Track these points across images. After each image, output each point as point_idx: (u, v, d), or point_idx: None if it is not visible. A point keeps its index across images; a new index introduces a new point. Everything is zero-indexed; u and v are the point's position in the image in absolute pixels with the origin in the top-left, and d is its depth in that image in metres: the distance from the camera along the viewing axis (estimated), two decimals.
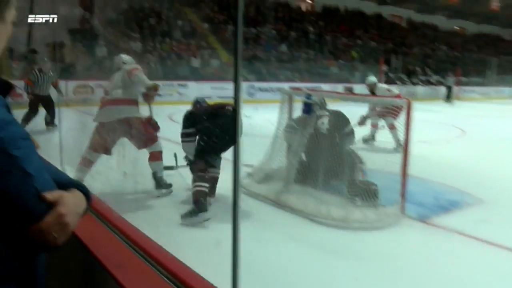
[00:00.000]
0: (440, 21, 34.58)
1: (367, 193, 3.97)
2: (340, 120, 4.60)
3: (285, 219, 3.84)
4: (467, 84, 26.75)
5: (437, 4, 29.79)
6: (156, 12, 18.35)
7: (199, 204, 3.56)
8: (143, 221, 3.18)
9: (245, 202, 4.27)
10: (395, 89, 7.66)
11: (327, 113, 4.59)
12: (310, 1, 27.33)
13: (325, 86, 18.80)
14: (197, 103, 4.40)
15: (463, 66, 27.97)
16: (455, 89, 23.10)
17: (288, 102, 4.99)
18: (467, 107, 18.32)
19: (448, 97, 21.93)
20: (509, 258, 3.22)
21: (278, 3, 24.21)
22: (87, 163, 4.28)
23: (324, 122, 4.47)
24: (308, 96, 4.61)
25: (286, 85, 13.40)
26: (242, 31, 1.28)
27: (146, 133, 4.34)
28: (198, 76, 16.45)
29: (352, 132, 4.69)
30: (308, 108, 4.45)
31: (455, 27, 36.73)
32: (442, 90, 22.83)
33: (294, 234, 3.50)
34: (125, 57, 4.64)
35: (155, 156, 4.38)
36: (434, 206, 4.32)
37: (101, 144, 4.31)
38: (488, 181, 5.44)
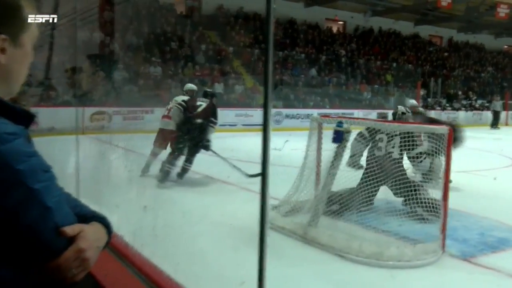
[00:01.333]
0: (486, 40, 34.23)
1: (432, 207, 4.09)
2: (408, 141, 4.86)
3: (312, 255, 3.82)
4: None
5: (483, 21, 29.56)
6: (178, 36, 18.90)
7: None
8: (162, 257, 3.23)
9: (269, 236, 4.26)
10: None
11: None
12: (341, 23, 27.62)
13: (358, 113, 18.78)
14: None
15: None
16: (503, 114, 22.66)
17: (318, 130, 5.02)
18: None
19: (495, 123, 21.51)
20: None
21: (308, 24, 24.56)
22: (153, 155, 7.03)
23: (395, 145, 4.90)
24: (339, 124, 4.64)
25: (315, 112, 13.52)
26: (272, 55, 1.35)
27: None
28: (221, 102, 16.70)
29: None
30: (339, 136, 4.47)
31: (504, 46, 36.27)
32: (488, 115, 22.44)
33: (322, 272, 3.48)
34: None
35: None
36: (479, 244, 4.22)
37: (160, 142, 7.04)
38: None
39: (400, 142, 4.91)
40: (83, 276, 0.92)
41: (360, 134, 5.09)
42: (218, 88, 17.10)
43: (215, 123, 7.00)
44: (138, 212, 4.28)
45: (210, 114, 6.93)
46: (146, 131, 11.32)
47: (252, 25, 20.79)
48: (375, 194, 4.73)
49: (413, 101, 7.88)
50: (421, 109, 7.85)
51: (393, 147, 4.98)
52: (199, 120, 6.76)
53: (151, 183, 6.17)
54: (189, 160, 6.76)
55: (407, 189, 4.67)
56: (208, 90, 7.72)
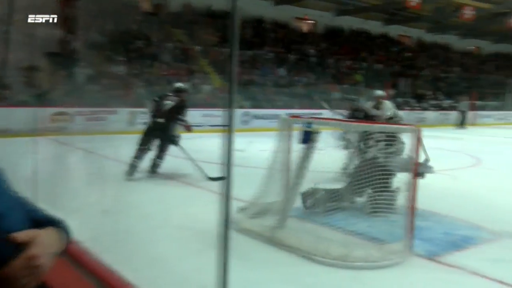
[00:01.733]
0: (453, 40, 35.19)
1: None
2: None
3: (279, 258, 3.85)
4: (483, 108, 27.06)
5: (450, 22, 30.39)
6: (144, 34, 18.69)
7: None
8: (123, 263, 3.19)
9: (236, 239, 4.28)
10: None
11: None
12: (311, 22, 27.89)
13: (327, 113, 18.96)
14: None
15: (478, 89, 28.34)
16: (470, 114, 23.36)
17: (286, 130, 5.04)
18: (482, 134, 18.47)
19: (462, 123, 22.15)
20: None
21: (277, 23, 24.69)
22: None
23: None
24: (308, 124, 4.69)
25: (284, 112, 13.58)
26: (237, 54, 1.35)
27: None
28: (188, 102, 16.61)
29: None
30: (307, 137, 4.51)
31: (470, 47, 37.37)
32: (455, 115, 23.09)
33: (289, 275, 3.51)
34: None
35: None
36: (444, 243, 4.34)
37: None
38: (506, 214, 5.47)
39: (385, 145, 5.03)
40: (35, 285, 0.88)
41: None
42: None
43: (182, 120, 7.29)
44: (98, 216, 4.23)
45: (177, 112, 7.24)
46: (109, 132, 11.16)
47: (220, 24, 20.75)
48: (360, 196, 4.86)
49: (379, 92, 8.21)
50: (387, 102, 8.14)
51: (379, 149, 5.10)
52: (161, 120, 7.12)
53: (112, 186, 6.09)
54: (159, 156, 7.20)
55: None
56: (178, 86, 7.89)
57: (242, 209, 4.84)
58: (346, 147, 6.45)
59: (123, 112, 13.80)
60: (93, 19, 16.64)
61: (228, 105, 1.16)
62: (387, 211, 4.40)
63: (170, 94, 7.53)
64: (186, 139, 7.84)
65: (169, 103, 7.31)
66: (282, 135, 4.96)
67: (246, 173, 7.71)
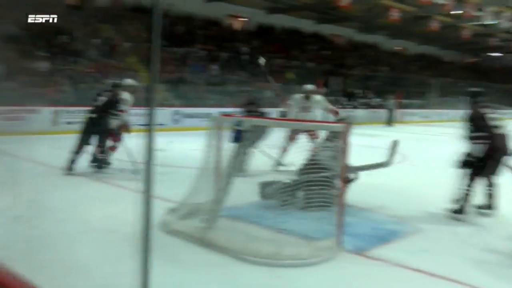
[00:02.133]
0: (382, 41, 36.71)
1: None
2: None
3: (210, 259, 3.85)
4: (408, 106, 28.44)
5: (378, 23, 31.68)
6: (68, 29, 17.95)
7: None
8: (37, 272, 3.06)
9: (165, 241, 4.25)
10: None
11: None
12: (243, 19, 28.02)
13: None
14: None
15: (404, 88, 29.75)
16: (396, 112, 24.47)
17: (218, 129, 5.03)
18: (408, 131, 19.43)
19: (389, 121, 23.18)
20: None
21: (208, 21, 24.59)
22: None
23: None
24: (239, 123, 4.72)
25: (216, 111, 13.57)
26: (159, 50, 1.33)
27: None
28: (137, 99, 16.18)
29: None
30: (238, 136, 4.53)
31: (397, 47, 39.16)
32: (383, 113, 24.09)
33: (219, 276, 3.52)
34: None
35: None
36: (372, 237, 4.53)
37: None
38: (429, 207, 5.79)
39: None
40: None
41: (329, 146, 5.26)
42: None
43: (115, 114, 7.44)
44: (10, 223, 4.03)
45: (110, 107, 7.42)
46: (28, 133, 10.63)
47: (150, 19, 20.32)
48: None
49: (309, 86, 8.52)
50: (317, 96, 8.48)
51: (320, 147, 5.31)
52: (93, 115, 7.39)
53: (27, 190, 5.81)
54: (100, 151, 7.50)
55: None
56: (115, 81, 8.13)
57: (172, 210, 4.80)
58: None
59: (46, 111, 13.19)
60: (8, 10, 15.76)
61: (148, 104, 1.14)
62: (321, 206, 4.49)
63: (106, 90, 7.73)
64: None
65: (102, 98, 7.53)
66: (213, 134, 4.96)
67: (176, 173, 7.74)
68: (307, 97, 8.20)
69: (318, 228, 4.33)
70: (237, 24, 27.45)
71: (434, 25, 27.61)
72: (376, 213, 5.45)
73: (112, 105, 7.46)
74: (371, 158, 6.06)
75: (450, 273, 3.65)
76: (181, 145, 9.95)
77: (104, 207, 5.34)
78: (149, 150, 1.15)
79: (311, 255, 3.84)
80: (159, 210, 4.77)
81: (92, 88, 16.25)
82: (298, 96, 8.29)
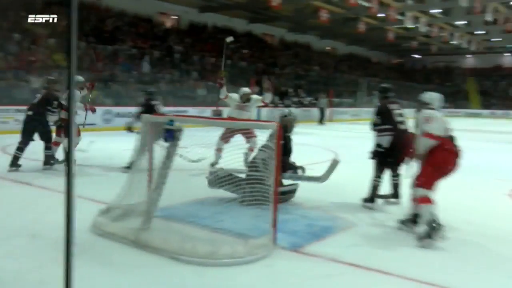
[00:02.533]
0: (313, 41, 37.63)
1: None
2: None
3: (145, 260, 3.77)
4: (339, 105, 29.34)
5: (309, 23, 32.44)
6: None
7: None
8: None
9: (97, 244, 4.13)
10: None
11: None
12: (175, 17, 27.69)
13: (192, 110, 19.05)
14: None
15: (335, 87, 30.65)
16: (328, 110, 25.16)
17: (149, 128, 4.94)
18: (339, 129, 20.05)
19: (321, 119, 23.81)
20: (380, 281, 3.58)
21: (140, 17, 24.07)
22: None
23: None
24: (170, 122, 4.65)
25: None
26: (75, 46, 1.27)
27: None
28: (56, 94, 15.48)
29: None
30: (170, 135, 4.47)
31: (327, 47, 40.30)
32: (315, 112, 24.67)
33: (155, 277, 3.45)
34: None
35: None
36: (306, 234, 4.62)
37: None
38: (359, 204, 6.00)
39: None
40: None
41: (266, 146, 5.21)
42: (36, 82, 15.80)
43: (51, 111, 7.65)
44: None
45: (45, 104, 7.63)
46: None
47: (80, 14, 19.60)
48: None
49: (245, 89, 8.62)
50: (255, 96, 8.53)
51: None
52: (29, 112, 7.62)
53: None
54: (45, 147, 7.70)
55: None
56: (49, 78, 8.24)
57: (103, 212, 4.66)
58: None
59: None
60: None
61: (67, 104, 1.09)
62: (258, 203, 4.52)
63: (43, 87, 7.97)
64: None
65: (38, 95, 7.77)
66: (144, 134, 4.87)
67: (107, 174, 7.54)
68: (246, 99, 8.27)
69: (254, 226, 4.37)
70: (168, 22, 27.09)
71: (361, 26, 28.66)
72: (310, 210, 5.58)
73: (48, 102, 7.61)
74: (306, 156, 6.21)
75: (382, 265, 3.80)
76: (112, 145, 9.68)
77: (27, 211, 5.08)
78: (69, 150, 1.11)
79: (247, 253, 3.86)
80: (90, 212, 4.63)
81: (15, 87, 15.48)
82: (235, 96, 8.33)
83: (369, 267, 3.77)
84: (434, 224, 4.45)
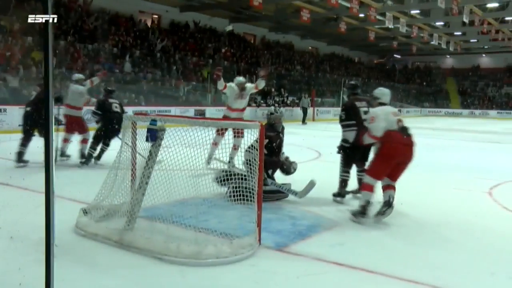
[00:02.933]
0: (295, 40, 37.75)
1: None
2: None
3: (129, 261, 3.73)
4: (322, 105, 29.50)
5: (290, 23, 32.53)
6: None
7: None
8: None
9: (80, 244, 4.08)
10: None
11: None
12: (156, 16, 27.50)
13: (175, 110, 18.96)
14: None
15: (317, 86, 30.79)
16: (310, 110, 25.26)
17: (131, 128, 4.88)
18: (321, 128, 20.13)
19: (304, 119, 23.90)
20: (365, 279, 3.60)
21: (120, 16, 23.83)
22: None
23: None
24: (153, 122, 4.62)
25: (129, 110, 13.20)
26: (52, 43, 1.25)
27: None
28: (20, 99, 15.23)
29: None
30: (152, 135, 4.43)
31: (309, 47, 40.48)
32: (298, 111, 24.75)
33: (140, 278, 3.42)
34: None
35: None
36: (291, 233, 4.63)
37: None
38: (342, 203, 6.04)
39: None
40: None
41: (252, 147, 5.08)
42: (13, 81, 15.56)
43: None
44: None
45: (42, 100, 7.45)
46: None
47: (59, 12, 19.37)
48: None
49: (240, 78, 8.63)
50: (249, 84, 8.58)
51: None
52: (28, 109, 8.18)
53: None
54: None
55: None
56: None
57: (87, 212, 4.61)
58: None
59: None
60: None
61: (45, 103, 1.06)
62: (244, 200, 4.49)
63: (40, 84, 8.80)
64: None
65: (34, 93, 8.58)
66: (127, 134, 4.81)
67: (89, 173, 7.45)
68: (242, 88, 8.37)
69: (239, 226, 4.36)
70: (150, 21, 26.90)
71: (342, 26, 28.83)
72: (294, 209, 5.59)
73: (42, 101, 7.88)
74: (290, 156, 6.23)
75: (366, 264, 3.82)
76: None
77: (5, 212, 4.98)
78: (48, 150, 1.08)
79: (232, 253, 3.85)
80: (72, 213, 4.57)
81: None
82: (234, 86, 8.35)
83: (354, 266, 3.79)
84: (366, 208, 5.05)
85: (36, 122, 7.94)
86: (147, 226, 4.30)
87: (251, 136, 4.58)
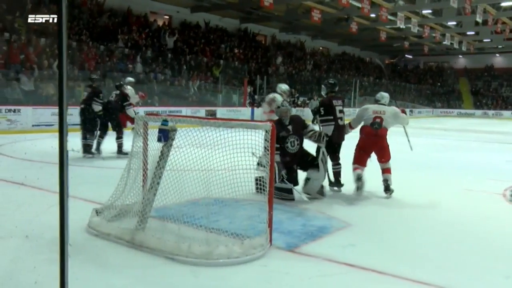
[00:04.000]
0: (305, 41, 37.68)
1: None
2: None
3: (141, 261, 3.76)
4: None
5: (301, 23, 32.49)
6: None
7: None
8: None
9: (93, 244, 4.11)
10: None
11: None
12: (167, 17, 27.61)
13: (186, 110, 19.02)
14: None
15: None
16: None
17: (143, 129, 4.90)
18: None
19: (314, 120, 23.76)
20: (375, 281, 3.59)
21: (133, 15, 23.93)
22: None
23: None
24: (164, 122, 4.64)
25: (141, 110, 13.26)
26: (66, 46, 1.26)
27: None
28: (34, 100, 15.41)
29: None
30: (164, 135, 4.45)
31: (320, 47, 40.38)
32: (309, 112, 24.62)
33: (151, 277, 3.45)
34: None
35: None
36: (302, 234, 4.62)
37: None
38: (354, 203, 6.03)
39: None
40: None
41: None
42: (27, 83, 15.72)
43: (98, 102, 9.32)
44: None
45: (93, 96, 9.37)
46: None
47: (71, 12, 19.43)
48: None
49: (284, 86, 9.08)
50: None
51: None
52: (82, 106, 9.41)
53: None
54: (83, 136, 9.33)
55: None
56: (92, 76, 10.19)
57: (99, 212, 4.64)
58: None
59: None
60: None
61: (59, 103, 1.08)
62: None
63: (88, 85, 9.90)
64: (35, 140, 7.40)
65: (85, 93, 10.09)
66: (138, 134, 4.84)
67: (102, 174, 7.51)
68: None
69: (249, 226, 4.37)
70: (160, 21, 27.01)
71: (353, 27, 28.72)
72: (305, 210, 5.59)
73: (96, 94, 9.32)
74: None
75: (377, 265, 3.81)
76: (105, 145, 9.65)
77: (21, 212, 5.04)
78: (62, 150, 1.10)
79: (243, 253, 3.85)
80: (85, 212, 4.61)
81: (5, 86, 15.37)
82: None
83: (365, 267, 3.78)
84: (359, 180, 6.38)
85: (88, 117, 9.23)
86: (158, 226, 4.33)
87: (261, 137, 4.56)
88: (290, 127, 6.14)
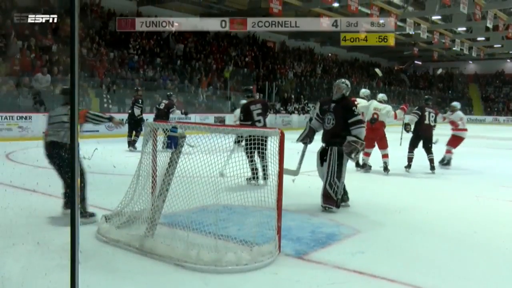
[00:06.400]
0: (314, 47, 37.69)
1: None
2: None
3: (149, 267, 3.77)
4: None
5: (310, 30, 32.48)
6: None
7: None
8: None
9: (102, 250, 4.13)
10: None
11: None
12: (177, 24, 27.73)
13: (195, 117, 19.06)
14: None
15: None
16: None
17: (152, 135, 4.92)
18: None
19: None
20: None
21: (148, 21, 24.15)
22: None
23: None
24: (174, 129, 4.66)
25: (149, 117, 13.33)
26: (78, 51, 1.28)
27: None
28: (46, 106, 15.55)
29: None
30: (173, 142, 4.48)
31: (329, 53, 40.36)
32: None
33: (160, 284, 3.46)
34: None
35: None
36: (311, 241, 4.61)
37: None
38: (363, 210, 6.00)
39: None
40: None
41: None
42: (43, 80, 15.87)
43: (138, 106, 12.42)
44: None
45: (134, 102, 12.57)
46: None
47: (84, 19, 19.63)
48: None
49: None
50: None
51: None
52: (129, 111, 12.60)
53: None
54: (129, 134, 12.43)
55: None
56: (137, 87, 13.32)
57: (108, 219, 4.67)
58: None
59: None
60: None
61: (71, 112, 1.09)
62: None
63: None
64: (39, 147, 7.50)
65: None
66: (147, 141, 4.87)
67: (112, 180, 7.54)
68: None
69: (258, 233, 4.36)
70: (170, 28, 27.14)
71: (362, 31, 28.63)
72: (314, 216, 5.57)
73: (137, 101, 12.38)
74: (305, 163, 6.20)
75: (387, 273, 3.78)
76: (116, 152, 9.71)
77: (32, 218, 5.08)
78: (73, 157, 1.11)
79: (252, 260, 3.85)
80: (95, 219, 4.63)
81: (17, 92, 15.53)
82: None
83: (374, 275, 3.76)
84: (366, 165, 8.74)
85: (132, 119, 12.10)
86: (167, 233, 4.34)
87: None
88: (333, 106, 6.12)
